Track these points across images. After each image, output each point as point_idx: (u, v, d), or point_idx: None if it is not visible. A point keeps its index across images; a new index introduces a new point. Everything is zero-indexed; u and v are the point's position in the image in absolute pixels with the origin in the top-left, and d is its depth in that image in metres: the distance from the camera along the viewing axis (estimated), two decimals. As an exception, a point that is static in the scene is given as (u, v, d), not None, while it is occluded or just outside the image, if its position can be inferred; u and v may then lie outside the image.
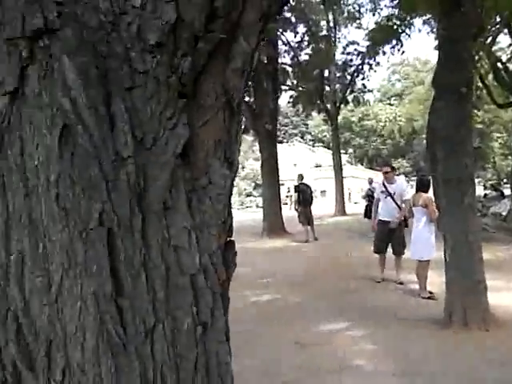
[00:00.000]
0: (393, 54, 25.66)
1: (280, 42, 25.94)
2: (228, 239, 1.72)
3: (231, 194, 1.68)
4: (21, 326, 1.32)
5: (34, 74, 1.28)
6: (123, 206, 1.33)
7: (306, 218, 18.80)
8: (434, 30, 24.08)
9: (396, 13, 22.14)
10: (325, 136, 74.14)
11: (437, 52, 8.63)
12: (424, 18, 22.97)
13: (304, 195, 18.68)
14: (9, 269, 1.31)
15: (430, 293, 9.18)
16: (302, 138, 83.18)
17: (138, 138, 1.36)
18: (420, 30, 24.68)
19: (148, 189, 1.39)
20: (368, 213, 17.55)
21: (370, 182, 20.54)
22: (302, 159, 66.32)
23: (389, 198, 10.58)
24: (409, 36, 23.47)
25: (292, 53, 27.69)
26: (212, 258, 1.54)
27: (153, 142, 1.39)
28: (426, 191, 9.54)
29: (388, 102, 76.08)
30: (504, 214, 22.33)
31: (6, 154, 1.29)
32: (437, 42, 18.43)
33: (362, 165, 75.02)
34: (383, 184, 10.87)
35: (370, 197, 18.13)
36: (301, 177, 19.33)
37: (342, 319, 7.98)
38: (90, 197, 1.29)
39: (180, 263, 1.44)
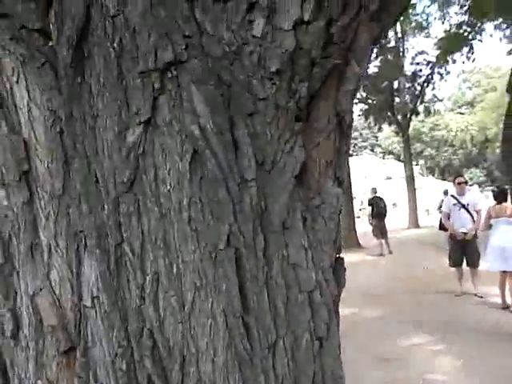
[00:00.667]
0: (463, 63, 24.88)
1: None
2: (337, 256, 1.76)
3: (340, 212, 1.71)
4: (156, 343, 1.40)
5: (165, 104, 1.36)
6: (247, 227, 1.39)
7: (380, 231, 18.58)
8: (507, 34, 23.49)
9: (466, 19, 21.69)
10: (395, 148, 73.19)
11: (510, 57, 8.50)
12: (495, 22, 22.39)
13: (378, 208, 18.47)
14: (144, 289, 1.39)
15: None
16: (371, 150, 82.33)
17: (259, 162, 1.42)
18: (491, 35, 23.78)
19: (268, 209, 1.45)
20: (443, 225, 17.15)
21: (446, 193, 20.13)
22: (372, 171, 65.52)
23: (462, 209, 10.32)
24: (481, 42, 22.82)
25: (361, 65, 27.44)
26: (325, 275, 1.59)
27: (272, 164, 1.45)
28: (506, 201, 9.36)
29: (459, 110, 74.40)
30: None
31: (142, 180, 1.37)
32: (510, 47, 18.06)
33: (433, 176, 73.57)
34: (453, 196, 10.64)
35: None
36: (374, 190, 19.18)
37: (422, 334, 7.83)
38: (218, 219, 1.36)
39: (298, 280, 1.49)
